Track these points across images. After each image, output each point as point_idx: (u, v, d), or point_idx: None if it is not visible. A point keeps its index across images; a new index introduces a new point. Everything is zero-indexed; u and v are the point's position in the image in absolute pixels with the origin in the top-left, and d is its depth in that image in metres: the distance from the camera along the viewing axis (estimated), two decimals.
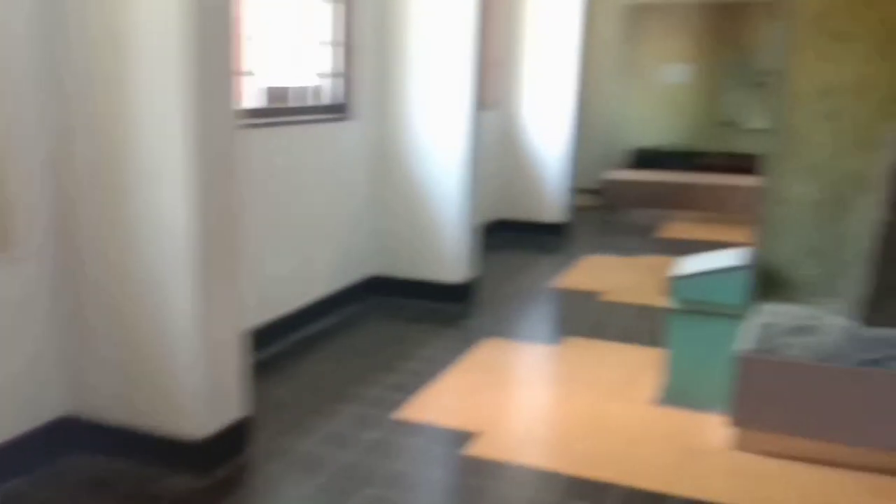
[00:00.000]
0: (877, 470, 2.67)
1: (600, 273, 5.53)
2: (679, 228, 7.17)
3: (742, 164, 7.53)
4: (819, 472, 2.70)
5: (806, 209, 3.12)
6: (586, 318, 4.47)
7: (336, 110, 4.24)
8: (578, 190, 7.40)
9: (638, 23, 8.30)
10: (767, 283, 3.18)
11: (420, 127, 4.40)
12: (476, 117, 4.39)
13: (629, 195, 7.79)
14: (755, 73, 7.76)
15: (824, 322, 2.85)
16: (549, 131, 6.43)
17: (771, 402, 2.77)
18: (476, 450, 2.83)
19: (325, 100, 4.19)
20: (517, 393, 3.46)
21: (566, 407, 3.27)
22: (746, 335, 2.90)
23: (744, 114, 7.94)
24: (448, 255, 4.51)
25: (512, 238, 6.42)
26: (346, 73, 4.28)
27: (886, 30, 2.91)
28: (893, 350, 2.68)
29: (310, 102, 4.06)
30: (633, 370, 3.63)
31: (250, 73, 3.50)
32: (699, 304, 3.15)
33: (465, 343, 3.95)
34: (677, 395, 3.23)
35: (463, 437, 2.92)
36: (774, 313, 2.94)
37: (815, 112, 3.04)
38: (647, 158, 8.19)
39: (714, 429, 2.98)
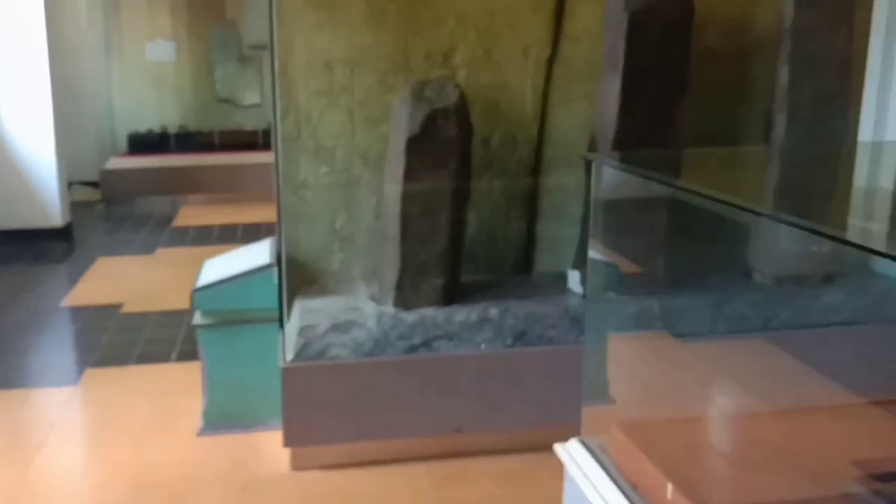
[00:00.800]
0: (442, 456, 2.63)
1: (118, 279, 4.85)
2: (195, 214, 6.70)
3: (246, 140, 7.33)
4: (386, 472, 2.57)
5: (322, 193, 2.93)
6: (110, 341, 3.82)
7: None
8: (78, 184, 6.46)
9: None
10: (298, 276, 2.94)
11: None
12: None
13: (133, 184, 7.05)
14: (245, 47, 7.55)
15: (362, 313, 2.70)
16: (28, 126, 5.42)
17: (322, 412, 2.55)
18: None
19: None
20: (28, 471, 2.73)
21: (99, 469, 2.68)
22: (286, 343, 2.63)
23: (240, 90, 7.69)
24: None
25: (5, 252, 5.29)
26: None
27: None
28: (434, 331, 2.64)
29: None
30: (172, 396, 3.16)
31: None
32: (228, 315, 2.80)
33: None
34: (223, 417, 2.86)
35: None
36: (311, 311, 2.71)
37: (316, 88, 2.84)
38: (145, 142, 7.45)
39: (272, 451, 2.67)
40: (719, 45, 3.06)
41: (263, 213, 5.30)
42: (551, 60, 3.02)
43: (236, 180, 7.02)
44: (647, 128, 2.79)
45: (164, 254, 5.43)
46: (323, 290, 2.92)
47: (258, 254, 2.95)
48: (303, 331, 2.61)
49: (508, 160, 3.06)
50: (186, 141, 7.52)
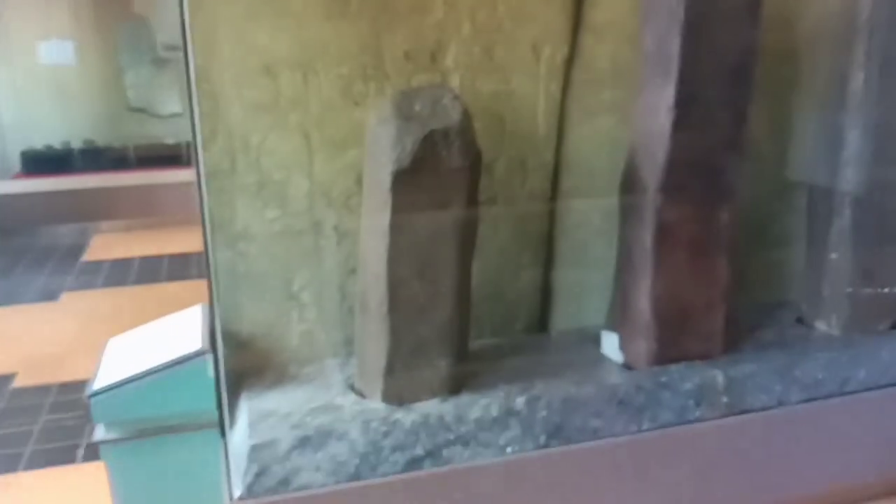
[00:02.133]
0: None
1: (10, 338, 3.96)
2: (109, 245, 5.77)
3: (167, 155, 6.40)
4: None
5: (272, 245, 2.15)
6: None
7: None
8: None
9: None
10: (243, 360, 2.16)
11: None
12: None
13: (32, 211, 6.06)
14: (160, 47, 6.60)
15: (340, 415, 1.93)
16: None
17: None
18: None
19: None
20: None
21: None
22: (231, 468, 1.85)
23: (156, 97, 6.74)
24: None
25: None
26: None
27: None
28: (443, 434, 1.90)
29: None
30: None
31: None
32: (142, 425, 2.00)
33: None
34: None
35: None
36: (266, 417, 1.93)
37: (253, 102, 2.06)
38: (44, 161, 6.41)
39: None
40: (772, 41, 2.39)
41: (192, 241, 4.44)
42: (569, 62, 2.30)
43: (157, 202, 6.11)
44: (708, 150, 2.11)
45: (72, 300, 4.52)
46: (279, 378, 2.14)
47: (183, 330, 2.16)
48: (256, 451, 1.83)
49: (517, 192, 2.33)
50: (95, 158, 6.52)
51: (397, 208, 1.86)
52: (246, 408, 1.99)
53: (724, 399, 2.15)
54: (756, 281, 2.57)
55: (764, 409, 2.18)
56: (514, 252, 2.36)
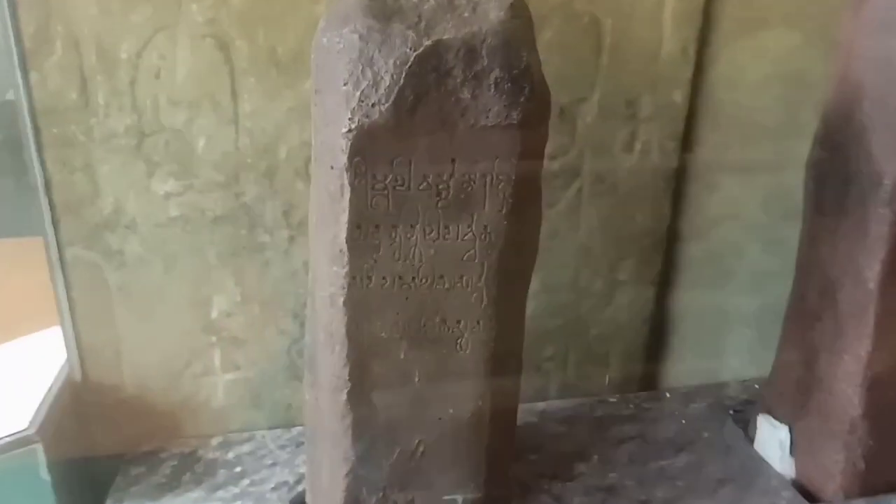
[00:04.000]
0: None
1: None
2: None
3: None
4: None
5: (168, 239, 1.21)
6: None
7: None
8: None
9: None
10: (119, 437, 1.26)
11: None
12: None
13: None
14: None
15: None
16: None
17: None
18: None
19: None
20: None
21: None
22: None
23: None
24: None
25: None
26: None
27: None
28: None
29: None
30: None
31: None
32: None
33: None
34: None
35: None
36: None
37: None
38: None
39: None
40: None
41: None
42: None
43: None
44: None
45: None
46: (181, 472, 1.22)
47: (10, 383, 1.25)
48: None
49: (617, 159, 1.31)
50: None
51: (361, 207, 0.88)
52: None
53: None
54: None
55: None
56: (607, 259, 1.36)
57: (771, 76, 1.33)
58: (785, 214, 1.27)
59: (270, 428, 1.31)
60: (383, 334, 0.93)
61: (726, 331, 1.45)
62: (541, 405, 1.34)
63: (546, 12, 1.16)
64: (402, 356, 0.94)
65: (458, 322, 0.93)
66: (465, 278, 0.92)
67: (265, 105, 1.16)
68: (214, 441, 1.28)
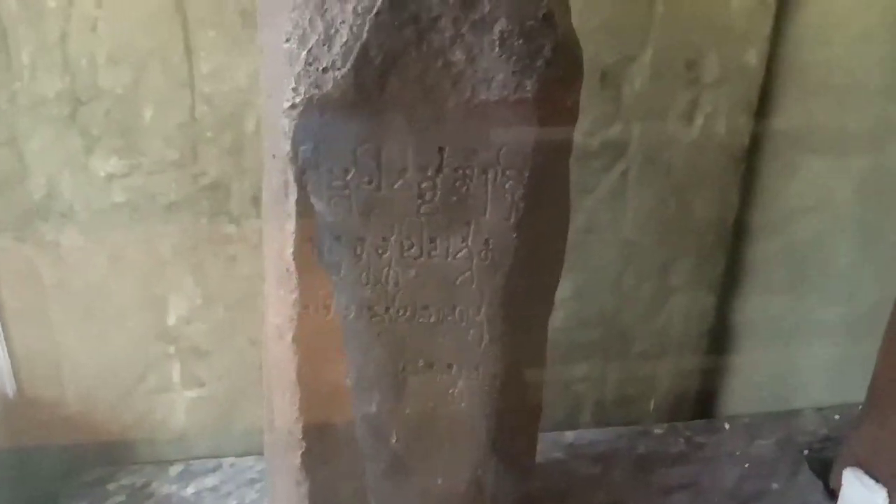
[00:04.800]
0: None
1: None
2: None
3: None
4: None
5: (114, 229, 0.98)
6: None
7: None
8: None
9: None
10: (61, 463, 1.06)
11: None
12: None
13: None
14: None
15: None
16: None
17: None
18: None
19: None
20: None
21: None
22: None
23: None
24: None
25: None
26: None
27: None
28: None
29: None
30: None
31: None
32: None
33: None
34: None
35: None
36: None
37: None
38: None
39: None
40: None
41: None
42: None
43: None
44: None
45: None
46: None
47: None
48: None
49: (672, 133, 1.04)
50: None
51: (313, 212, 0.63)
52: None
53: None
54: None
55: None
56: (658, 258, 1.10)
57: (875, 28, 1.04)
58: (885, 204, 1.00)
59: (240, 455, 1.09)
60: (347, 381, 0.69)
61: (803, 347, 1.18)
62: (569, 436, 1.10)
63: None
64: (373, 410, 0.70)
65: (450, 367, 0.69)
66: (458, 310, 0.67)
67: (228, 64, 0.93)
68: (173, 470, 1.07)
